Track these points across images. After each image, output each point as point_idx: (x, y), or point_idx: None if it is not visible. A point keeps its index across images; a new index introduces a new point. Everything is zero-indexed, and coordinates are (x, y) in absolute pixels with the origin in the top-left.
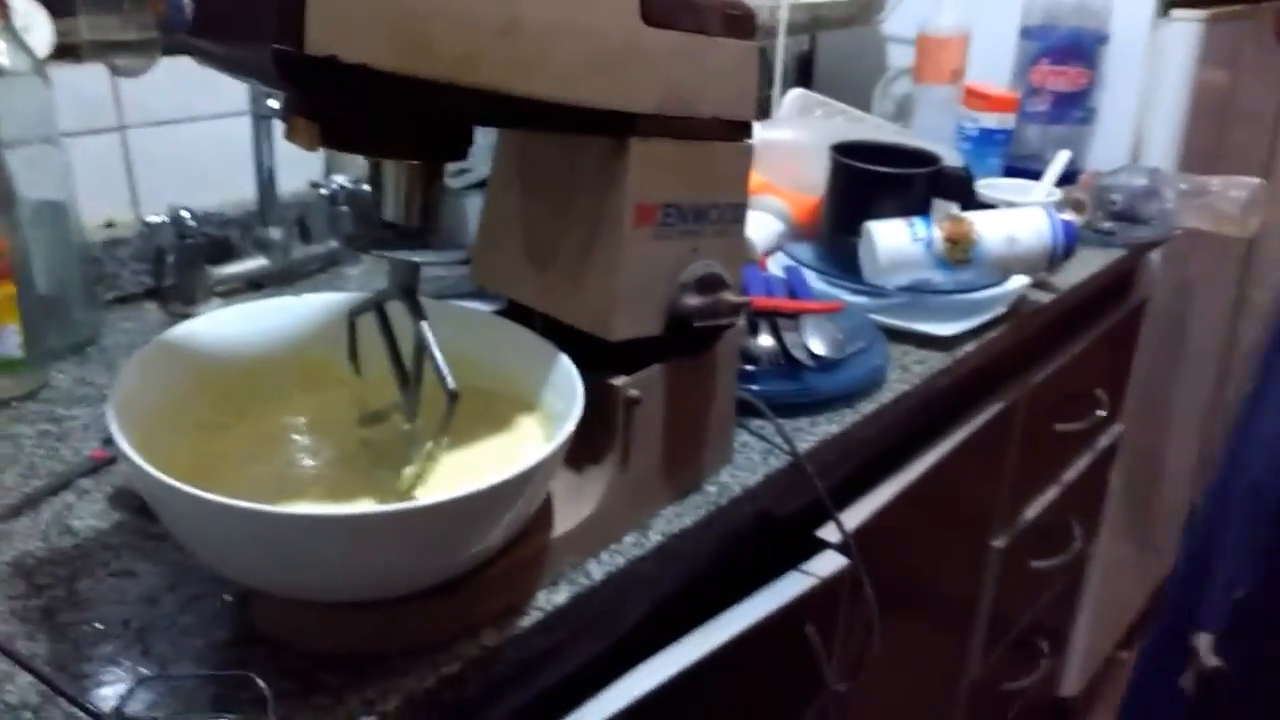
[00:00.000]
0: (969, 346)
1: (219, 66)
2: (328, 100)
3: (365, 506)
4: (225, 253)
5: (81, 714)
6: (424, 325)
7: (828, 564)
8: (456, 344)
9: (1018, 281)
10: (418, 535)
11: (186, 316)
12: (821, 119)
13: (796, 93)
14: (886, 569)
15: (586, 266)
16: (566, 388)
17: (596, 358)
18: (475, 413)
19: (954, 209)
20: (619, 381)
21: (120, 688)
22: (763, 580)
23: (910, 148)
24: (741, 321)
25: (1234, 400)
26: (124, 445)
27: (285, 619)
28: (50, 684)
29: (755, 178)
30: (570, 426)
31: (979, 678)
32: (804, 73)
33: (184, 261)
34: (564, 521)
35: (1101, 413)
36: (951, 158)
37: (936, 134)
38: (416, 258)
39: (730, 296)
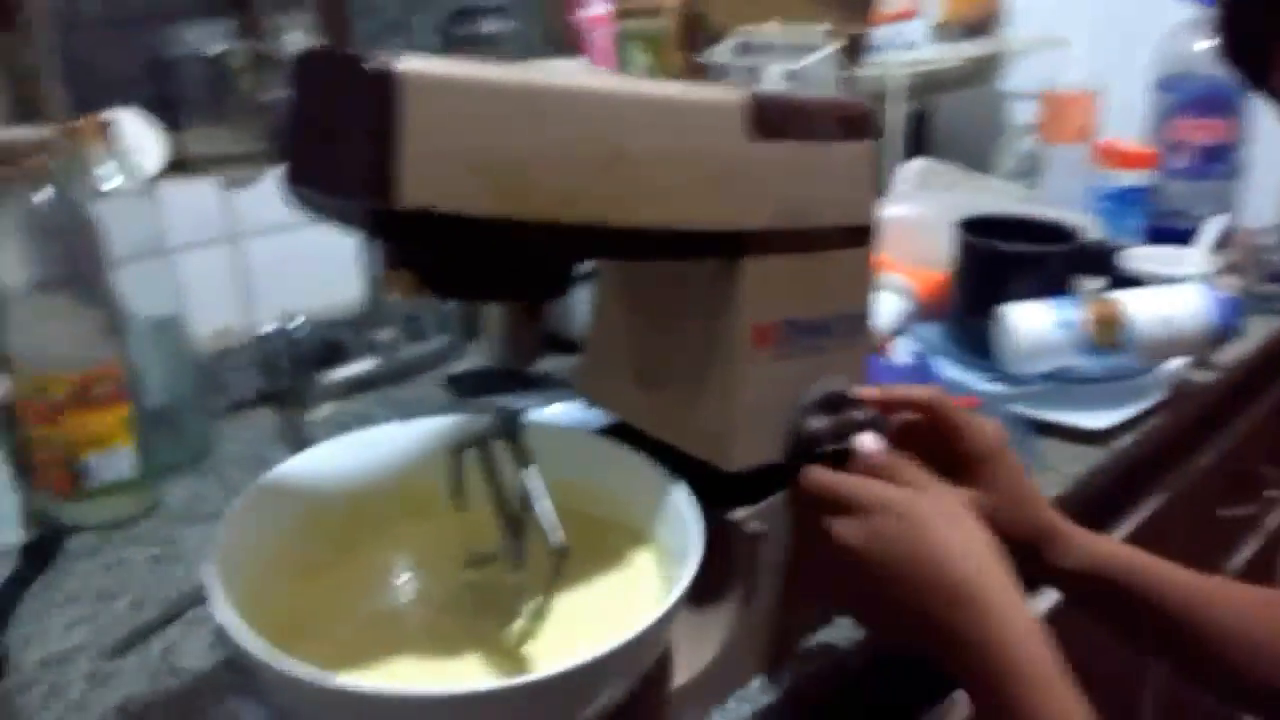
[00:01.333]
0: (1126, 440)
1: (317, 213)
2: (424, 251)
3: (468, 684)
4: (337, 355)
5: None
6: (530, 473)
7: None
8: (564, 468)
9: (1175, 363)
10: (526, 708)
11: (300, 421)
12: (944, 188)
13: (916, 163)
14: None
15: (701, 391)
16: (685, 522)
17: (710, 485)
18: (586, 545)
19: (1097, 285)
20: (740, 514)
21: None
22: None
23: (1044, 220)
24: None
25: None
26: (218, 607)
27: None
28: None
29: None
30: (691, 570)
31: None
32: (920, 137)
33: (296, 366)
34: (683, 670)
35: (1272, 492)
36: (1087, 223)
37: (1068, 196)
38: (520, 402)
39: (857, 414)
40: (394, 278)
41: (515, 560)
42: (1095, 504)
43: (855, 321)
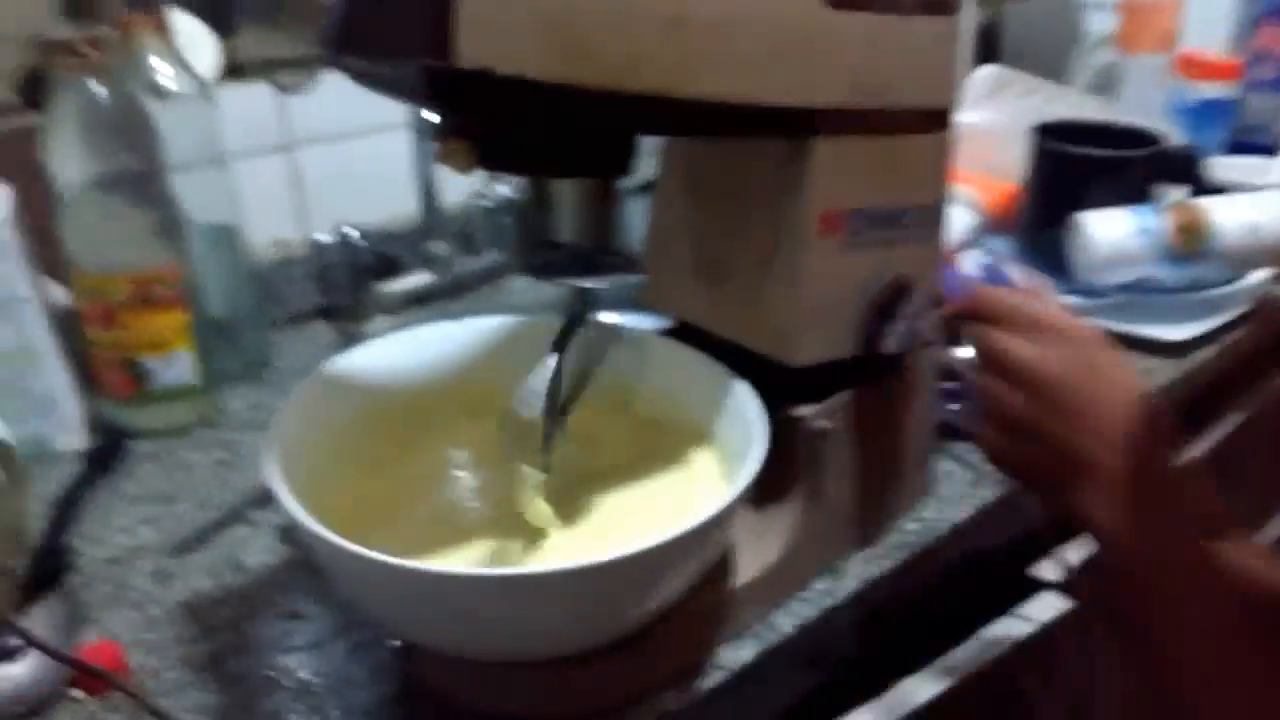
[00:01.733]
0: (1206, 352)
1: (370, 85)
2: (482, 119)
3: (528, 566)
4: (392, 269)
5: None
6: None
7: (1046, 607)
8: (623, 369)
9: (1260, 274)
10: (586, 595)
11: (356, 334)
12: (1016, 97)
13: (988, 69)
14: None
15: (765, 283)
16: (747, 421)
17: (775, 384)
18: (647, 447)
19: (1179, 194)
20: (804, 411)
21: None
22: (969, 626)
23: (1122, 126)
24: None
25: None
26: (284, 497)
27: (450, 675)
28: None
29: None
30: (753, 467)
31: None
32: (989, 47)
33: (351, 279)
34: (746, 569)
35: None
36: (1169, 135)
37: (1147, 108)
38: (591, 283)
39: (929, 310)
40: (448, 151)
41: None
42: None
43: (930, 214)
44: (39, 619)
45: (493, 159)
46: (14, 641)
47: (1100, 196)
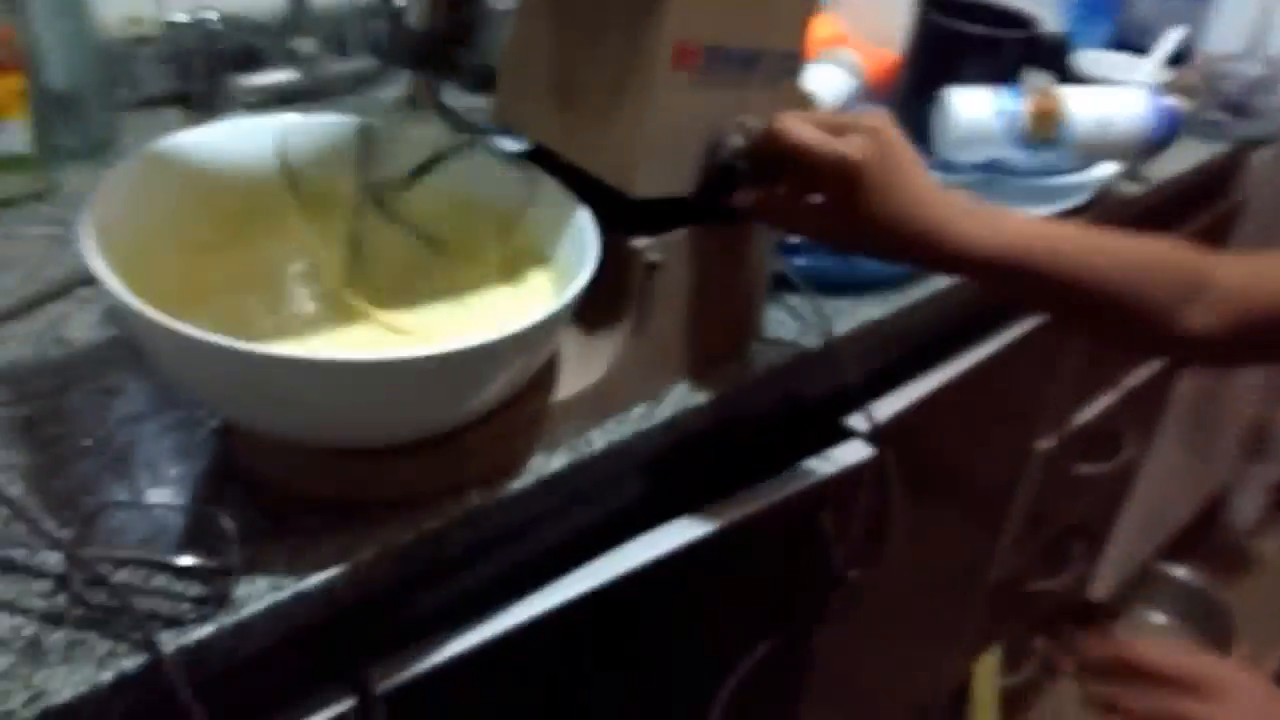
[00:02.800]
0: None
1: None
2: None
3: (349, 353)
4: (253, 61)
5: (38, 537)
6: None
7: (852, 453)
8: (469, 185)
9: (1105, 169)
10: (407, 387)
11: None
12: None
13: None
14: (917, 461)
15: (614, 111)
16: (582, 243)
17: (624, 216)
18: (486, 260)
19: (1043, 80)
20: (640, 243)
21: (88, 510)
22: (784, 466)
23: (1003, 8)
24: None
25: None
26: (100, 270)
27: (267, 457)
28: (7, 501)
29: (828, 26)
30: (580, 283)
31: (1005, 576)
32: None
33: (210, 67)
34: (568, 386)
35: None
36: (1048, 21)
37: None
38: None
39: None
40: None
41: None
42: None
43: (786, 60)
44: None
45: None
46: None
47: (970, 74)
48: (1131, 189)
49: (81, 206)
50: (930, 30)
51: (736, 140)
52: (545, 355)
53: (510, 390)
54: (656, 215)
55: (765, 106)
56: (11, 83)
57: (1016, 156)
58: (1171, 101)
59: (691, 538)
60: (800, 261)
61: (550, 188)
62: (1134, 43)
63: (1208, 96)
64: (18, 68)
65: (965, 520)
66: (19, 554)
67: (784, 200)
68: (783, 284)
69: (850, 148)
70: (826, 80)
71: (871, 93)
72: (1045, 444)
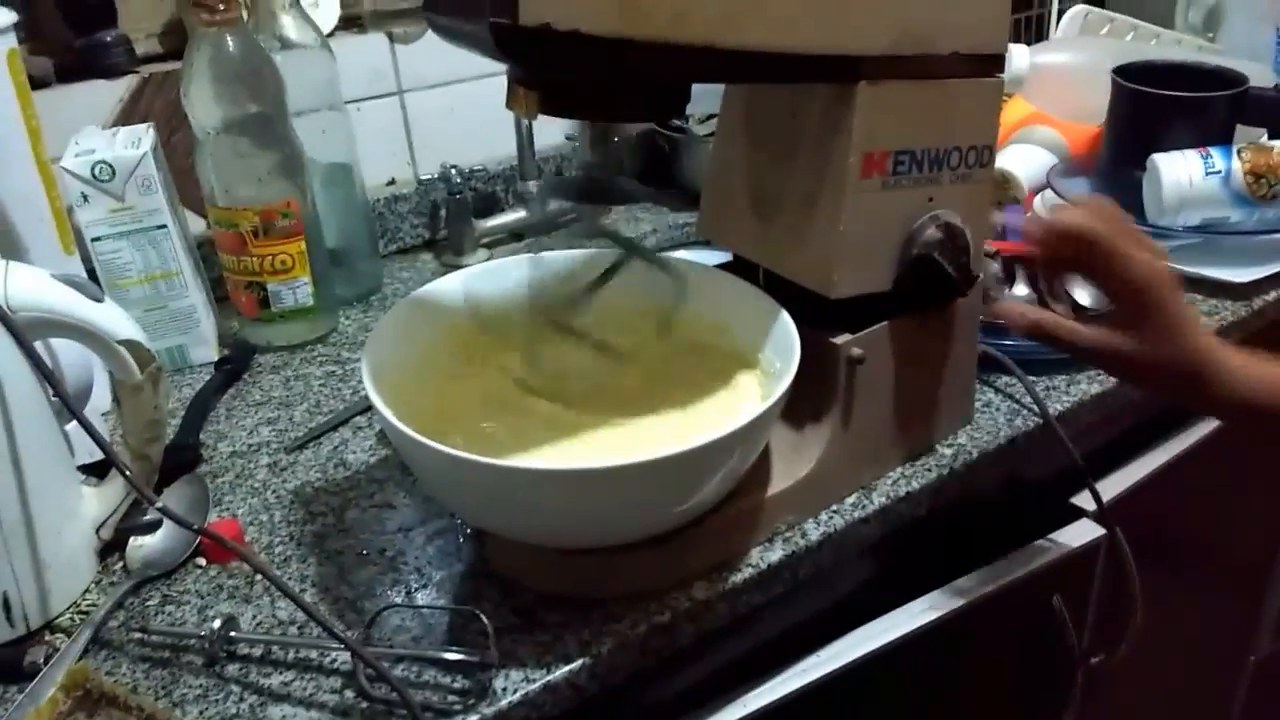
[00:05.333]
0: (1269, 295)
1: (451, 39)
2: (545, 68)
3: (584, 461)
4: (491, 206)
5: (330, 639)
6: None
7: (1080, 533)
8: (674, 298)
9: None
10: (633, 489)
11: (457, 266)
12: (1107, 37)
13: (1078, 9)
14: (1155, 539)
15: (810, 220)
16: (785, 344)
17: (824, 316)
18: (696, 368)
19: (1263, 137)
20: (841, 340)
21: (369, 613)
22: (1010, 550)
23: (1210, 67)
24: (995, 269)
25: None
26: (375, 399)
27: (513, 559)
28: (307, 610)
29: (1024, 108)
30: (786, 382)
31: (1269, 654)
32: None
33: (454, 215)
34: (781, 480)
35: None
36: (1261, 73)
37: (1251, 48)
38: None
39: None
40: (515, 97)
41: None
42: None
43: (976, 154)
44: (174, 499)
45: (553, 104)
46: (153, 517)
47: (1179, 137)
48: None
49: (356, 348)
50: (1128, 98)
51: (933, 234)
52: (756, 453)
53: (727, 487)
54: (858, 309)
55: (957, 197)
56: (298, 246)
57: (1237, 215)
58: None
59: (915, 625)
60: (1009, 343)
61: (751, 295)
62: None
63: None
64: (303, 233)
65: (1218, 598)
66: (313, 654)
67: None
68: (993, 366)
69: (1157, 267)
70: (1024, 159)
71: (1074, 166)
72: None
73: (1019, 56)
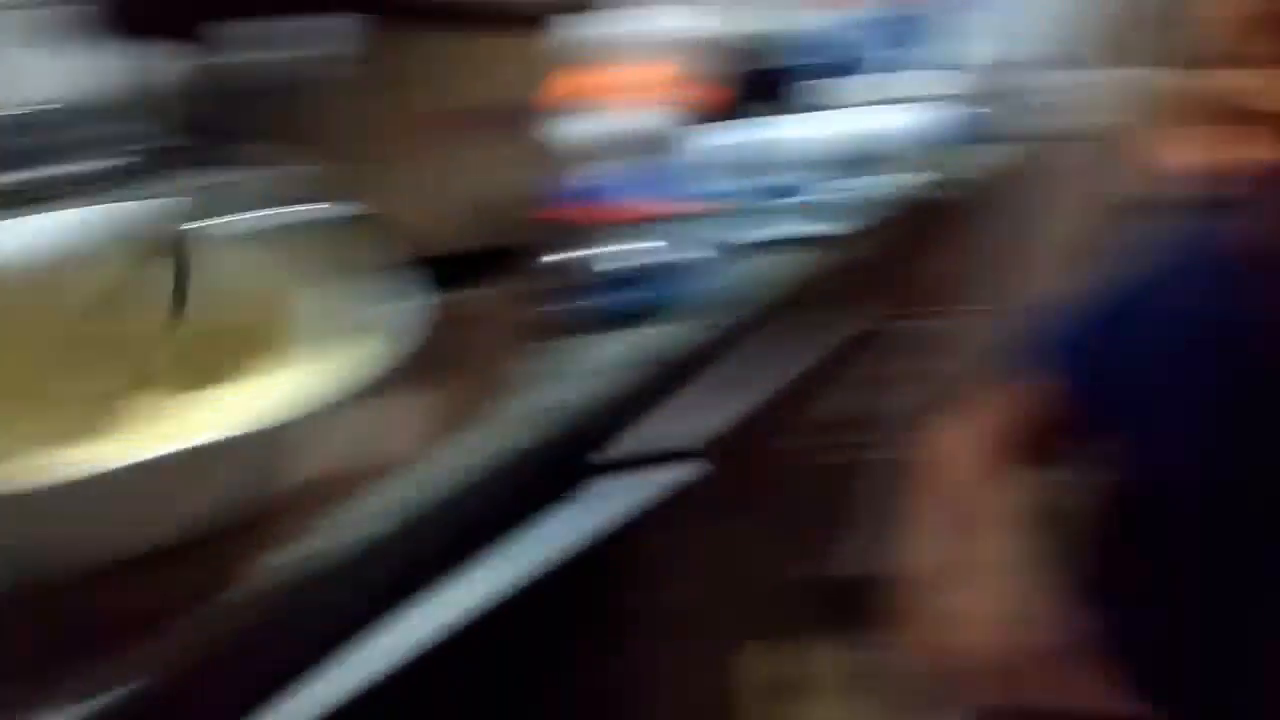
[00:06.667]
0: (828, 251)
1: None
2: None
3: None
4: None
5: None
6: None
7: (674, 474)
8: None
9: (885, 178)
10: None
11: None
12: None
13: None
14: (746, 476)
15: (385, 175)
16: (343, 315)
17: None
18: (232, 350)
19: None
20: (408, 304)
21: None
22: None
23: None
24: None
25: None
26: None
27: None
28: None
29: (614, 75)
30: (359, 363)
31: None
32: None
33: None
34: (339, 458)
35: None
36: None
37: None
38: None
39: (535, 211)
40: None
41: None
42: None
43: (537, 112)
44: None
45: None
46: None
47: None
48: (916, 194)
49: None
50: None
51: (496, 194)
52: (310, 443)
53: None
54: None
55: (523, 161)
56: None
57: (759, 183)
58: (952, 110)
59: (492, 595)
60: (592, 301)
61: (304, 260)
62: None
63: (989, 103)
64: None
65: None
66: None
67: None
68: (555, 330)
69: None
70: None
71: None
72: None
73: (621, 21)
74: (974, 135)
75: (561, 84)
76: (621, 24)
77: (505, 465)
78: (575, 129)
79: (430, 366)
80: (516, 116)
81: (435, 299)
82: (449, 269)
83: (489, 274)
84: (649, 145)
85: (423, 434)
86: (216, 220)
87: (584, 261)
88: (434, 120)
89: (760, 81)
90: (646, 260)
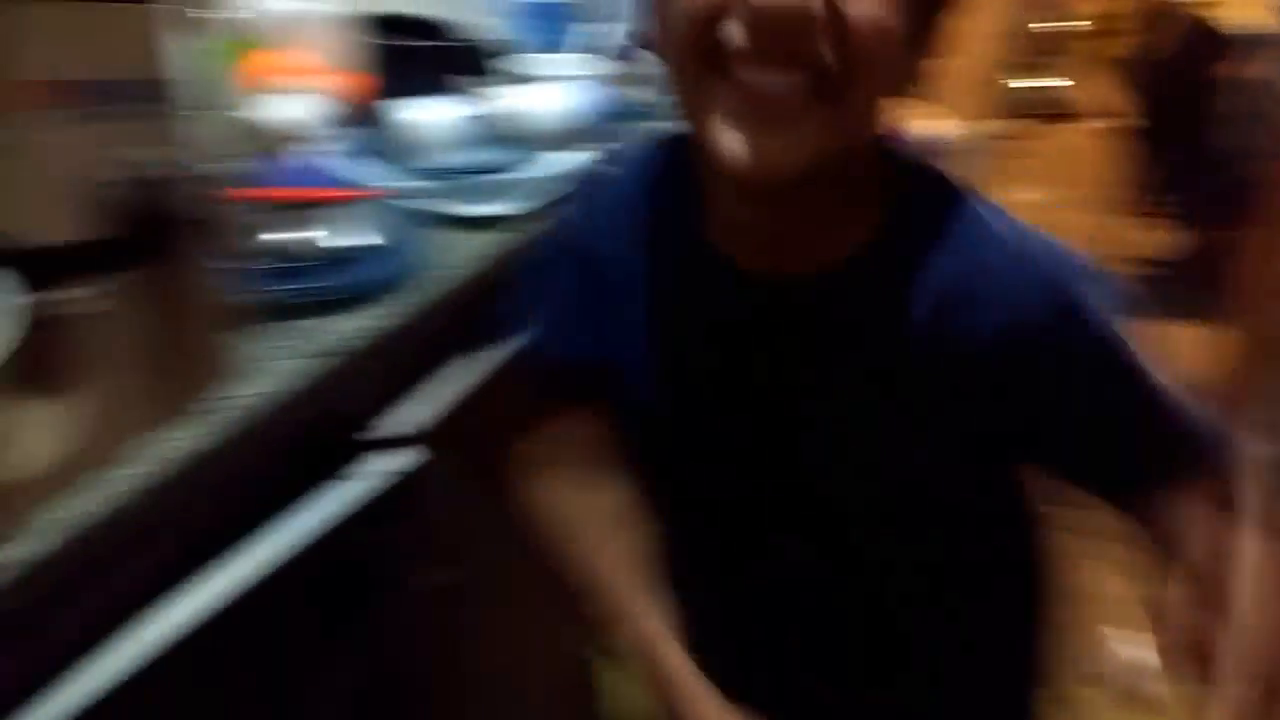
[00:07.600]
0: (518, 228)
1: None
2: None
3: None
4: None
5: None
6: None
7: (394, 461)
8: None
9: (569, 157)
10: None
11: None
12: None
13: None
14: (474, 458)
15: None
16: None
17: (38, 269)
18: None
19: (482, 84)
20: (39, 298)
21: None
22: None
23: (438, 21)
24: (252, 215)
25: None
26: None
27: None
28: None
29: (284, 56)
30: None
31: None
32: None
33: None
34: (18, 467)
35: None
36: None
37: (483, 6)
38: None
39: (182, 190)
40: None
41: None
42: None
43: (151, 90)
44: None
45: None
46: None
47: (399, 86)
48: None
49: None
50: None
51: (137, 175)
52: None
53: None
54: (74, 264)
55: (145, 139)
56: None
57: (479, 157)
58: (610, 90)
59: (226, 592)
60: (286, 286)
61: None
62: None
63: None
64: None
65: None
66: None
67: None
68: (275, 311)
69: None
70: (284, 108)
71: (346, 116)
72: None
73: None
74: (623, 115)
75: (228, 64)
76: (264, 3)
77: (230, 453)
78: (246, 110)
79: (41, 371)
80: (134, 91)
81: (31, 299)
82: (47, 264)
83: (104, 267)
84: (314, 128)
85: (103, 433)
86: None
87: (261, 245)
88: (14, 96)
89: (417, 61)
90: (324, 245)
